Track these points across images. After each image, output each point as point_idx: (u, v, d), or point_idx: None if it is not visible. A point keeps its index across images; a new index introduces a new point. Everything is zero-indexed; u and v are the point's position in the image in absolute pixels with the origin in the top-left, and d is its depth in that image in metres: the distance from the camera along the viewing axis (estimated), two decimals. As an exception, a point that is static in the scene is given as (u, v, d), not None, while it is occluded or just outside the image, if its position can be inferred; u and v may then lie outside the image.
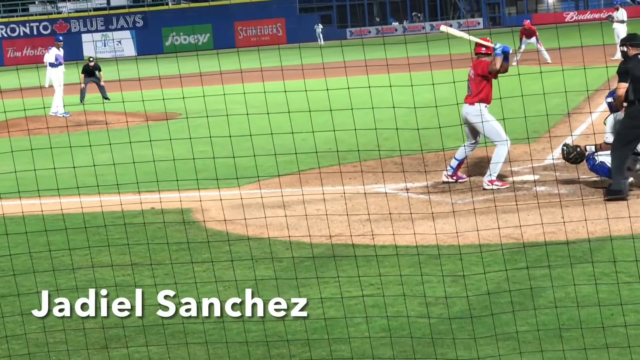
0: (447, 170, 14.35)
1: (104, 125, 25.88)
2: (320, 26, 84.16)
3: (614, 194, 12.27)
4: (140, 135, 21.80)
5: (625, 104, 12.39)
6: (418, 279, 9.10)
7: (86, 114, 28.84)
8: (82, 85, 34.13)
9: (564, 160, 13.78)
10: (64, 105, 30.27)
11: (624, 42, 12.53)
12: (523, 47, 40.16)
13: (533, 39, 39.98)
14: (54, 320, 8.65)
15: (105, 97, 33.58)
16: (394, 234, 10.91)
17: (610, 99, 13.24)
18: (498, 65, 13.82)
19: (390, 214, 11.91)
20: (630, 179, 12.95)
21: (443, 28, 14.36)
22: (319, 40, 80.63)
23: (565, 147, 13.50)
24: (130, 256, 10.83)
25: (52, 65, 30.78)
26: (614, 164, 12.38)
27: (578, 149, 13.32)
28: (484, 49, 14.17)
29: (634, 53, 12.36)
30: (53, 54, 31.17)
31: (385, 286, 8.98)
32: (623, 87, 12.19)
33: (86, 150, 14.97)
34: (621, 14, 40.19)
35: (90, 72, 34.48)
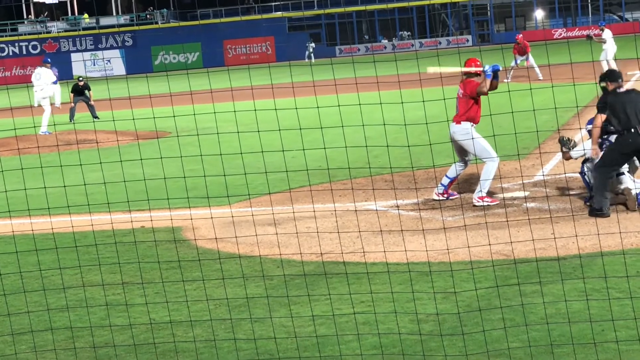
0: (437, 187, 14.35)
1: (94, 144, 25.85)
2: (313, 45, 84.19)
3: (596, 212, 12.36)
4: (130, 154, 21.77)
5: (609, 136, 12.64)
6: (409, 296, 9.09)
7: (76, 133, 28.81)
8: (72, 104, 34.12)
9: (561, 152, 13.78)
10: (47, 125, 30.38)
11: (603, 78, 12.97)
12: (516, 63, 40.01)
13: (525, 56, 39.84)
14: (43, 339, 8.63)
15: (94, 116, 33.57)
16: (384, 251, 10.91)
17: (590, 126, 13.47)
18: (487, 87, 13.78)
19: (380, 231, 11.91)
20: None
21: (431, 70, 14.22)
22: (311, 58, 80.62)
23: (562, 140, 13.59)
24: (121, 275, 10.81)
25: (55, 83, 30.87)
26: (596, 182, 12.50)
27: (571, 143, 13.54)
28: (473, 71, 14.14)
29: (613, 87, 12.83)
30: (51, 73, 31.15)
31: (376, 303, 8.98)
32: (601, 117, 12.63)
33: (76, 170, 14.95)
34: (607, 34, 40.05)
35: (80, 91, 34.48)
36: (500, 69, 13.99)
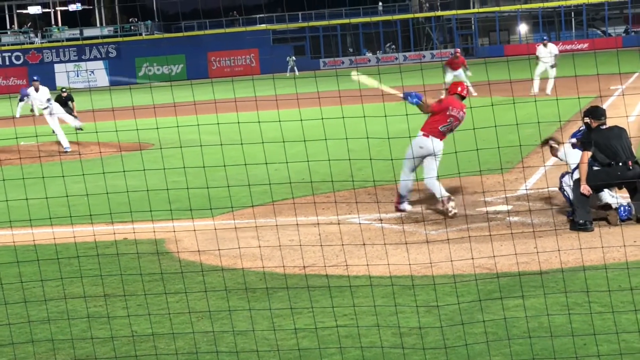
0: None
1: (76, 155, 25.80)
2: (293, 58, 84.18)
3: (579, 226, 12.44)
4: (113, 166, 21.72)
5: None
6: (392, 310, 9.08)
7: (59, 144, 28.73)
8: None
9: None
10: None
11: (586, 114, 13.11)
12: (449, 78, 39.22)
13: (460, 71, 39.45)
14: (24, 351, 8.59)
15: (77, 128, 33.48)
16: (367, 265, 10.90)
17: (574, 140, 13.57)
18: (424, 109, 14.40)
19: (364, 244, 11.90)
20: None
21: (355, 77, 14.53)
22: (294, 71, 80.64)
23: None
24: (103, 287, 10.76)
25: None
26: (577, 197, 12.59)
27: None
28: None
29: (596, 125, 12.95)
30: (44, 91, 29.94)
31: (359, 316, 8.97)
32: (587, 154, 12.71)
33: (59, 181, 14.92)
34: (541, 50, 38.54)
35: (63, 102, 34.37)
36: (415, 101, 14.26)
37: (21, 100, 30.43)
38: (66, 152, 27.87)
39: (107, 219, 13.73)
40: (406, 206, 14.55)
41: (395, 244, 12.25)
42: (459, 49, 41.57)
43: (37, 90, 29.37)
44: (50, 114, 28.97)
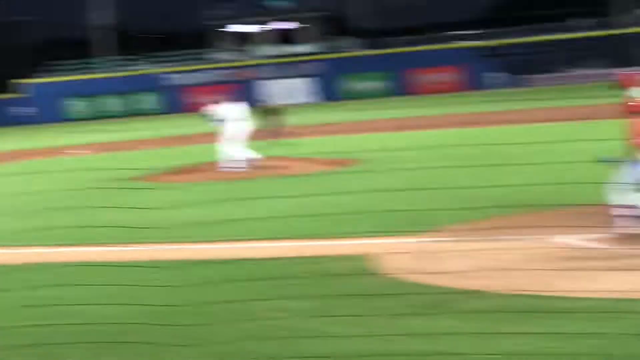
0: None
1: (284, 170, 26.20)
2: (497, 74, 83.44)
3: None
4: (320, 182, 21.85)
5: None
6: (602, 334, 8.78)
7: (267, 159, 29.18)
8: (265, 130, 34.60)
9: None
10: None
11: None
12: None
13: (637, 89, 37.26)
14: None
15: (286, 143, 34.02)
16: (582, 290, 10.57)
17: None
18: None
19: (575, 267, 11.61)
20: None
21: None
22: (493, 88, 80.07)
23: None
24: (309, 303, 10.81)
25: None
26: None
27: None
28: None
29: None
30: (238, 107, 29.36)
31: (570, 340, 8.71)
32: None
33: (266, 197, 15.17)
34: None
35: (272, 117, 35.14)
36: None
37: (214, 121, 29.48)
38: (255, 161, 27.10)
39: (314, 235, 13.86)
40: (630, 229, 13.78)
41: (610, 268, 11.87)
42: (621, 72, 39.69)
43: (225, 107, 28.74)
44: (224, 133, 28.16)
